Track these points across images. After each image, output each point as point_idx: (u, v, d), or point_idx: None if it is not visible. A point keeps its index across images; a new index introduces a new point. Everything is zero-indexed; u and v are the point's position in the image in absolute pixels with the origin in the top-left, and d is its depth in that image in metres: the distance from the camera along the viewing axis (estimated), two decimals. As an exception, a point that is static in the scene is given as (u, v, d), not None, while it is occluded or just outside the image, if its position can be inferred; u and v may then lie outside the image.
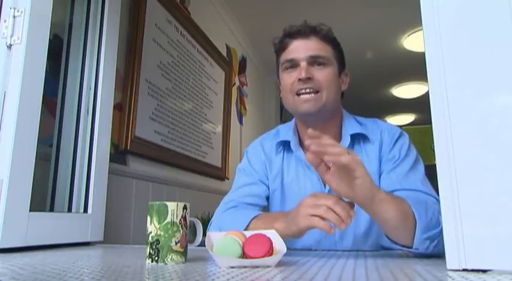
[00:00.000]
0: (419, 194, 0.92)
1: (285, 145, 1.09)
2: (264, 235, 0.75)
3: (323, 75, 0.98)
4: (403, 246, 0.82)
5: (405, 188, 0.94)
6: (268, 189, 1.09)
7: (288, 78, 1.01)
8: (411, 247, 0.80)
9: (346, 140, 1.03)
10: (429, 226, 0.78)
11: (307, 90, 0.97)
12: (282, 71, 1.04)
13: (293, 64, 1.01)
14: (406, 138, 1.04)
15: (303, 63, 0.98)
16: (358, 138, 1.05)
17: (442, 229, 0.64)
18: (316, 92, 0.97)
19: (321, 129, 1.05)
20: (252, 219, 0.92)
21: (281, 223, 0.84)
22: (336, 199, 0.76)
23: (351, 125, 1.05)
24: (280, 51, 1.05)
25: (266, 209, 1.10)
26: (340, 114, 1.08)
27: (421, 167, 1.00)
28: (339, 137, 1.05)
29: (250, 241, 0.74)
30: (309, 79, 0.97)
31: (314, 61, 0.99)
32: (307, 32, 1.00)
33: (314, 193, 0.81)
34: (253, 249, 0.72)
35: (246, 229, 0.89)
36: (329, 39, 1.02)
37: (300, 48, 1.00)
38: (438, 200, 0.93)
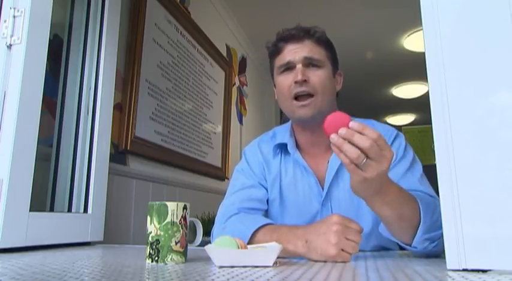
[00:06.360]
0: (418, 194, 0.92)
1: (282, 148, 1.09)
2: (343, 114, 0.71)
3: (318, 77, 0.99)
4: (402, 243, 0.83)
5: (403, 188, 0.95)
6: (267, 192, 1.09)
7: (285, 81, 1.01)
8: (410, 245, 0.80)
9: None
10: (433, 227, 0.78)
11: (304, 94, 0.97)
12: (277, 74, 1.04)
13: (289, 67, 1.01)
14: (402, 139, 1.05)
15: (299, 66, 0.99)
16: None
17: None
18: (312, 95, 0.98)
19: (318, 131, 1.05)
20: (259, 228, 0.88)
21: (296, 241, 0.80)
22: (359, 229, 0.77)
23: None
24: (274, 55, 1.05)
25: (265, 212, 1.09)
26: None
27: (418, 167, 1.00)
28: None
29: (330, 120, 0.70)
30: (305, 81, 0.97)
31: (309, 63, 0.99)
32: (300, 35, 1.01)
33: (339, 221, 0.77)
34: (332, 126, 0.69)
35: (252, 237, 0.87)
36: (322, 41, 1.03)
37: (295, 51, 1.00)
38: (437, 198, 0.92)
